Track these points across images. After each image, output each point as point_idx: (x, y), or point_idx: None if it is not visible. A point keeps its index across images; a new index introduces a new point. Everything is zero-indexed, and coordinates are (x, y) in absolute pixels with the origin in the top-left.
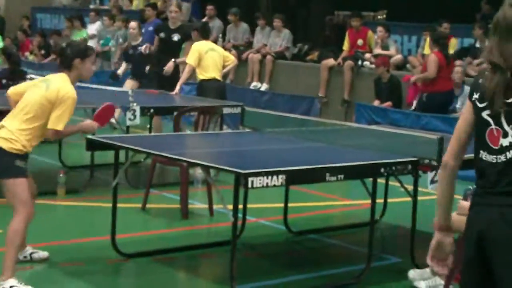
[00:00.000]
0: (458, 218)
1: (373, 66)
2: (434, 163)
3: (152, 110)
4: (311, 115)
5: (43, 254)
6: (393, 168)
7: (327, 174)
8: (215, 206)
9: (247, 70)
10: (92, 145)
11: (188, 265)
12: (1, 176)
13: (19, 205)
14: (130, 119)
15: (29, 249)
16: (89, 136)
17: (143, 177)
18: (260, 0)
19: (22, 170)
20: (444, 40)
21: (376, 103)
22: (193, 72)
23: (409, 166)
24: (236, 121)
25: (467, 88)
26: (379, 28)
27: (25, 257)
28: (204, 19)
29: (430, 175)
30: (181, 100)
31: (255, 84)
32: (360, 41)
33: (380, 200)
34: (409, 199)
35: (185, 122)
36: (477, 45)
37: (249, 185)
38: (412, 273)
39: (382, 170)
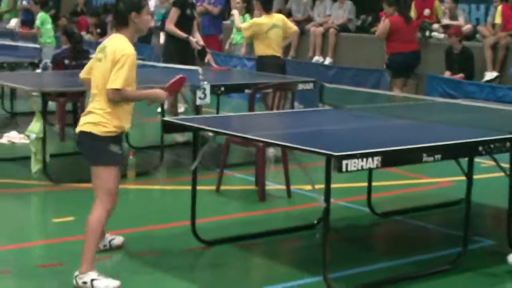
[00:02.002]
0: None
1: (441, 36)
2: None
3: (222, 88)
4: (380, 89)
5: (119, 239)
6: (491, 146)
7: (424, 155)
8: (292, 187)
9: (307, 44)
10: (170, 127)
11: (271, 251)
12: (94, 162)
13: (104, 194)
14: (200, 98)
15: (108, 237)
16: (166, 118)
17: (213, 157)
18: None
19: (116, 156)
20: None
21: (447, 74)
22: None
23: (508, 144)
24: (305, 98)
25: None
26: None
27: (104, 245)
28: None
29: None
30: (249, 77)
31: (317, 59)
32: (427, 11)
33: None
34: (495, 175)
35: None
36: None
37: (343, 169)
38: None
39: (480, 148)
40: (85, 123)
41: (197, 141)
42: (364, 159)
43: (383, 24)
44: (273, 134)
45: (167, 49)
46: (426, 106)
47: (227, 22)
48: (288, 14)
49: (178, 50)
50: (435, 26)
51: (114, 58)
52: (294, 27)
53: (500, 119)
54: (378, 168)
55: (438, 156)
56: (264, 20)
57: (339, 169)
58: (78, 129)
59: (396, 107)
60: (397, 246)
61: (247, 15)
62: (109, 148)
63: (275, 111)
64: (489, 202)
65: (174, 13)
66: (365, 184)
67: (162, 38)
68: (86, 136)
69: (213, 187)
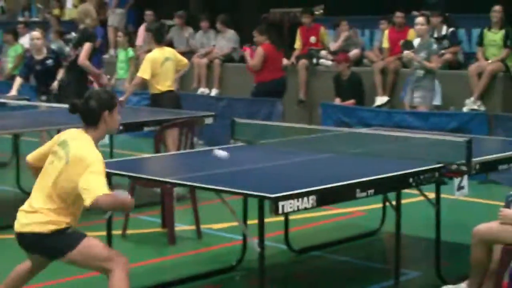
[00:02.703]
0: (502, 228)
1: (329, 63)
2: (464, 168)
3: (121, 127)
4: (274, 119)
5: None
6: (421, 177)
7: (357, 191)
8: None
9: (191, 76)
10: None
11: None
12: (62, 254)
13: (108, 264)
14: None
15: None
16: None
17: None
18: (189, 2)
19: (77, 234)
20: (272, 28)
21: (337, 101)
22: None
23: (436, 174)
24: (203, 133)
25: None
26: (343, 25)
27: None
28: (143, 26)
29: (456, 181)
30: (147, 114)
31: (202, 90)
32: (313, 38)
33: (375, 206)
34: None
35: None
36: (435, 35)
37: (280, 211)
38: None
39: (411, 180)
40: (31, 223)
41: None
42: (300, 199)
43: (258, 53)
44: (197, 176)
45: (69, 87)
46: (342, 136)
47: (106, 56)
48: (170, 46)
49: (79, 89)
50: (323, 53)
51: (83, 164)
52: (185, 60)
53: (421, 147)
54: (314, 207)
55: (371, 191)
56: (156, 53)
57: (276, 211)
58: (21, 230)
59: (312, 140)
60: (323, 284)
61: (130, 49)
62: (66, 233)
63: (183, 150)
64: (412, 232)
65: (89, 48)
66: (276, 219)
67: (60, 75)
68: (35, 236)
69: (119, 232)
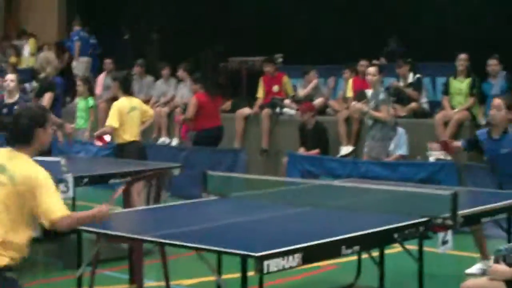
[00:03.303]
0: (490, 285)
1: (293, 112)
2: (449, 222)
3: (86, 180)
4: (237, 170)
5: None
6: (406, 232)
7: (343, 248)
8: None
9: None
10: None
11: None
12: None
13: None
14: (63, 192)
15: None
16: None
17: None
18: (147, 50)
19: (13, 284)
20: (205, 76)
21: (301, 151)
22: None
23: (421, 228)
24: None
25: (401, 131)
26: (312, 73)
27: None
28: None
29: (440, 235)
30: (115, 166)
31: (163, 140)
32: (275, 87)
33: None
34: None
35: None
36: (401, 83)
37: (265, 270)
38: None
39: (396, 235)
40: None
41: (81, 244)
42: (286, 258)
43: (192, 103)
44: (173, 233)
45: None
46: (317, 189)
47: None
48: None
49: None
50: (287, 101)
51: (33, 183)
52: (151, 111)
53: (400, 200)
54: (299, 266)
55: (356, 248)
56: (123, 102)
57: (261, 271)
58: None
59: (287, 192)
60: None
61: (90, 98)
62: (4, 275)
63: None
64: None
65: (50, 98)
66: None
67: None
68: None
69: None
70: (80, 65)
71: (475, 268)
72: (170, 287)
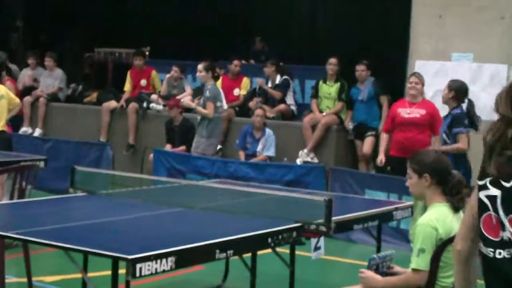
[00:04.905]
0: None
1: (160, 107)
2: (323, 228)
3: None
4: (102, 164)
5: None
6: (280, 237)
7: (217, 251)
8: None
9: None
10: None
11: None
12: None
13: None
14: None
15: None
16: None
17: None
18: (11, 38)
19: None
20: None
21: (168, 147)
22: None
23: (294, 233)
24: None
25: (269, 132)
26: (175, 68)
27: None
28: None
29: (313, 241)
30: None
31: (25, 129)
32: (143, 81)
33: None
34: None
35: None
36: (269, 84)
37: (137, 274)
38: None
39: (270, 240)
40: None
41: None
42: (159, 261)
43: None
44: (40, 231)
45: None
46: (186, 188)
47: None
48: None
49: None
50: (154, 96)
51: None
52: (17, 99)
53: (272, 204)
54: (172, 269)
55: (230, 252)
56: None
57: (133, 275)
58: None
59: (158, 191)
60: None
61: None
62: None
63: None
64: None
65: None
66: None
67: None
68: None
69: None
70: None
71: None
72: (32, 284)
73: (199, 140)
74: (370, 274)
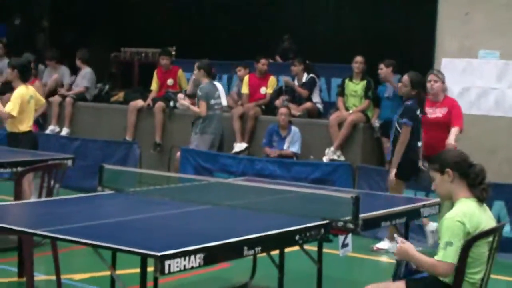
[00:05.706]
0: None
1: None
2: (350, 225)
3: None
4: (129, 163)
5: None
6: (307, 234)
7: (245, 248)
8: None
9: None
10: None
11: None
12: None
13: None
14: None
15: None
16: None
17: None
18: (37, 38)
19: None
20: None
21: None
22: None
23: (322, 230)
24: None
25: (294, 129)
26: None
27: None
28: None
29: (341, 238)
30: (3, 155)
31: (52, 128)
32: (170, 81)
33: None
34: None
35: None
36: (296, 82)
37: (166, 271)
38: None
39: (297, 237)
40: None
41: None
42: (187, 258)
43: None
44: (70, 228)
45: None
46: (213, 186)
47: None
48: None
49: None
50: (180, 96)
51: None
52: (43, 99)
53: (301, 201)
54: (200, 266)
55: (258, 249)
56: (23, 90)
57: (162, 271)
58: None
59: (186, 189)
60: None
61: None
62: None
63: (44, 196)
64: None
65: None
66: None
67: None
68: None
69: None
70: None
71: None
72: (61, 282)
73: (193, 136)
74: (410, 245)
